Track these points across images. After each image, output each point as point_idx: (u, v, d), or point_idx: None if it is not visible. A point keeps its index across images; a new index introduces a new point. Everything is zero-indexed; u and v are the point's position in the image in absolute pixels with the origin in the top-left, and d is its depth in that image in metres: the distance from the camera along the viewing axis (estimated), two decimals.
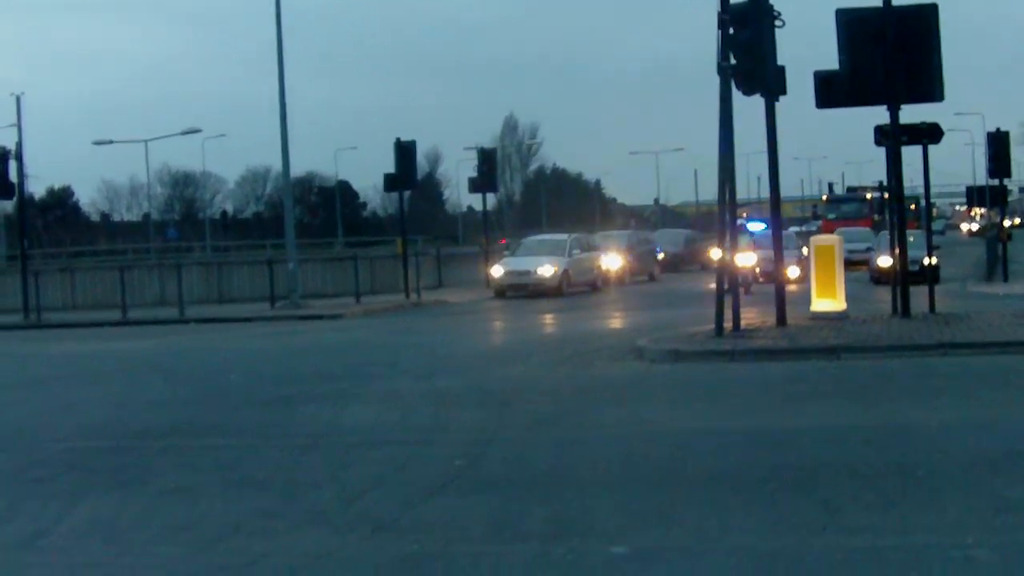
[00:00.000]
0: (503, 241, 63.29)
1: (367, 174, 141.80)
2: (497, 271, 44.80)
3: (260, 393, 18.16)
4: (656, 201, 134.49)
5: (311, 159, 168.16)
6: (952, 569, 7.64)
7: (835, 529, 8.67)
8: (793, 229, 69.27)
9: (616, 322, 30.70)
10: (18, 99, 47.74)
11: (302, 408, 16.22)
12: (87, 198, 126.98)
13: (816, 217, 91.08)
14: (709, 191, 26.08)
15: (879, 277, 39.94)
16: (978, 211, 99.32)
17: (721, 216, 23.23)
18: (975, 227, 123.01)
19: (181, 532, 9.39)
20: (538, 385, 17.82)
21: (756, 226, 46.61)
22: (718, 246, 23.77)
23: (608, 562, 8.12)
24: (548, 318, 32.35)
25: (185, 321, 37.46)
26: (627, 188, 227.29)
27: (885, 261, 37.20)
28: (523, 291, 43.34)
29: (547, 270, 43.55)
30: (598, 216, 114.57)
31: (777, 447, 11.96)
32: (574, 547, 8.48)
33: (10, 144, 43.06)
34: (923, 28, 22.49)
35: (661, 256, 58.59)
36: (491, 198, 66.12)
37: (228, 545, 8.93)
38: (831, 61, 22.70)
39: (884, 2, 22.62)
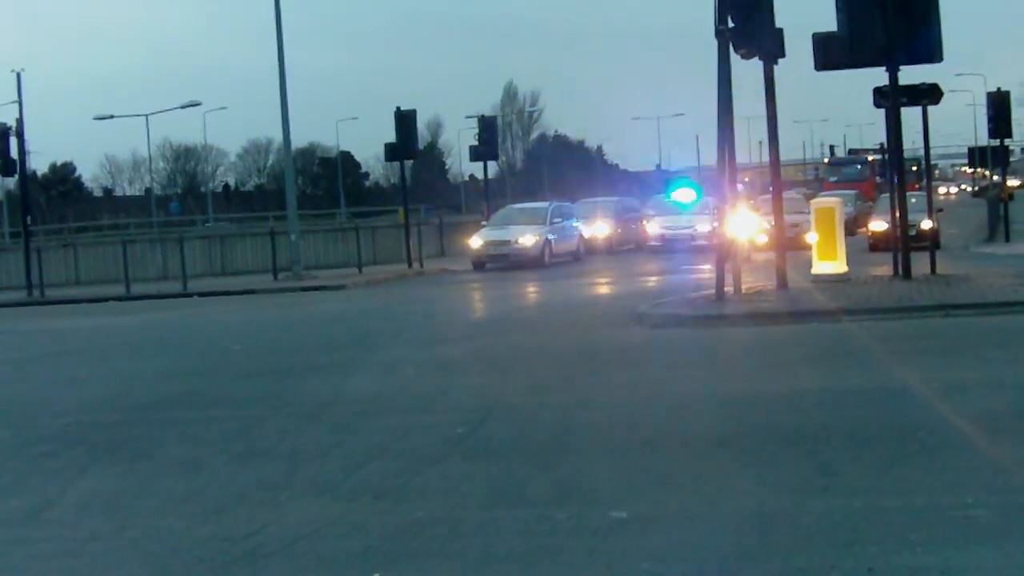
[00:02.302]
0: None
1: (369, 144, 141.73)
2: (475, 241, 43.29)
3: (263, 364, 18.20)
4: (658, 167, 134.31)
5: (312, 130, 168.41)
6: (951, 529, 7.65)
7: (835, 491, 8.69)
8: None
9: (609, 289, 30.69)
10: (18, 75, 47.78)
11: (305, 379, 16.26)
12: (89, 173, 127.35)
13: (817, 180, 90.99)
14: (710, 156, 26.13)
15: (875, 243, 38.09)
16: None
17: (720, 180, 23.22)
18: (953, 190, 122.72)
19: (184, 504, 9.43)
20: (540, 352, 17.85)
21: (685, 195, 42.12)
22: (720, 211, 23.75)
23: (609, 527, 8.15)
24: (547, 286, 32.34)
25: (188, 295, 37.53)
26: (629, 154, 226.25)
27: (879, 225, 36.88)
28: (503, 262, 41.85)
29: (528, 239, 42.28)
30: (600, 182, 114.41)
31: (777, 410, 11.98)
32: (575, 512, 8.51)
33: (11, 120, 43.16)
34: None
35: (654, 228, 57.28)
36: (492, 166, 66.01)
37: (231, 516, 8.97)
38: (830, 23, 22.67)
39: None
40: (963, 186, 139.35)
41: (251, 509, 9.12)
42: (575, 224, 46.41)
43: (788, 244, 25.10)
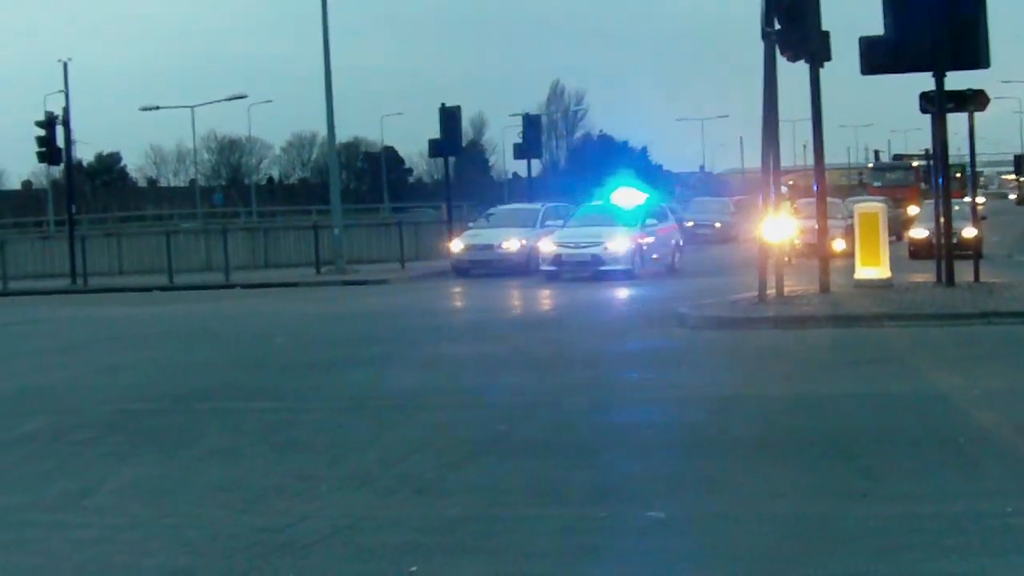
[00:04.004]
0: None
1: (413, 140, 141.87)
2: (456, 245, 39.16)
3: (304, 357, 18.27)
4: (701, 168, 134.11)
5: (357, 125, 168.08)
6: (990, 537, 7.62)
7: (873, 496, 8.67)
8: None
9: (641, 291, 30.62)
10: (65, 65, 47.70)
11: (346, 372, 16.31)
12: (134, 164, 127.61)
13: (861, 185, 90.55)
14: (754, 158, 25.97)
15: (916, 250, 35.82)
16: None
17: (765, 183, 23.15)
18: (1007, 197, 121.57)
19: (223, 493, 9.48)
20: (580, 350, 17.87)
21: (627, 198, 37.42)
22: (762, 213, 23.66)
23: (646, 527, 8.15)
24: (588, 287, 32.26)
25: (231, 286, 37.67)
26: (673, 155, 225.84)
27: (919, 233, 36.12)
28: (486, 268, 37.75)
29: (513, 244, 38.38)
30: (643, 183, 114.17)
31: (818, 414, 11.96)
32: (613, 511, 8.52)
33: (57, 110, 43.43)
34: None
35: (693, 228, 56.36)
36: (536, 164, 65.89)
37: (270, 506, 9.01)
38: (877, 27, 22.58)
39: None
40: (1009, 195, 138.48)
41: (290, 500, 9.16)
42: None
43: (817, 250, 24.90)
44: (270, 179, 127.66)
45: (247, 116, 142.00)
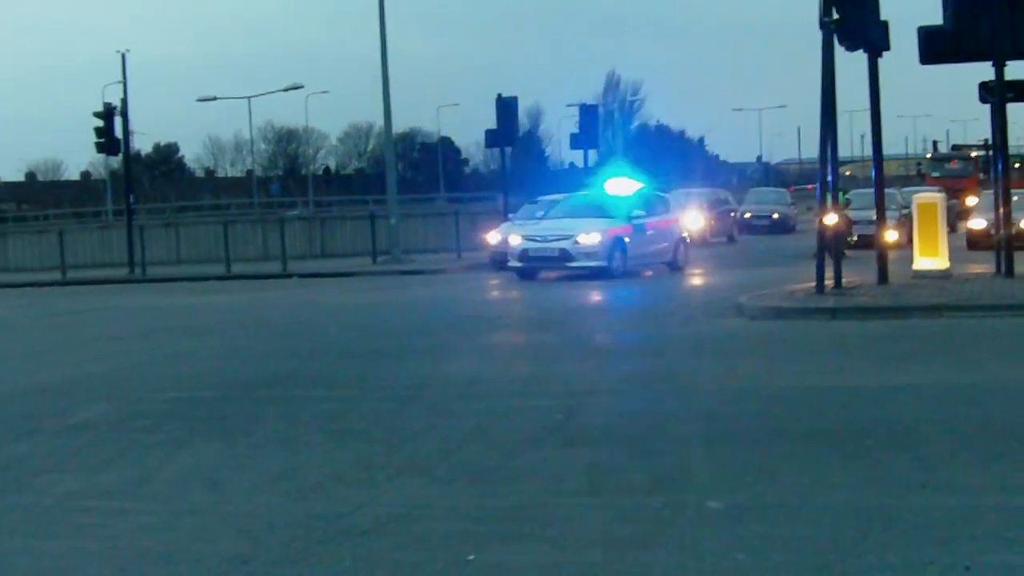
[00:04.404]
0: None
1: (469, 130, 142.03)
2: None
3: (361, 346, 18.33)
4: (759, 158, 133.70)
5: (413, 115, 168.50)
6: None
7: (933, 487, 8.61)
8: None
9: (708, 281, 30.53)
10: (123, 56, 48.07)
11: (403, 360, 16.36)
12: (192, 154, 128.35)
13: (919, 176, 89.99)
14: (812, 149, 25.59)
15: (974, 241, 34.55)
16: None
17: (823, 174, 23.02)
18: None
19: (280, 481, 9.51)
20: (637, 340, 17.86)
21: (620, 187, 34.12)
22: (820, 204, 23.53)
23: (704, 516, 8.12)
24: (650, 272, 32.20)
25: (288, 276, 37.81)
26: (730, 145, 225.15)
27: (978, 223, 35.63)
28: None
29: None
30: (699, 173, 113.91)
31: (877, 404, 11.89)
32: (670, 501, 8.50)
33: (116, 101, 43.72)
34: None
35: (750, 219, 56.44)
36: (593, 155, 65.78)
37: (327, 494, 9.03)
38: (936, 16, 22.43)
39: None
40: None
41: (347, 488, 9.19)
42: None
43: (876, 240, 24.76)
44: (327, 169, 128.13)
45: (304, 106, 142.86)
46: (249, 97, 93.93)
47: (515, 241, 32.03)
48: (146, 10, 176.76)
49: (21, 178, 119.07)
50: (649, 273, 32.17)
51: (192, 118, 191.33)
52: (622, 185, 34.01)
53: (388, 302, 27.12)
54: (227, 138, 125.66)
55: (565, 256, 30.98)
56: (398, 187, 46.15)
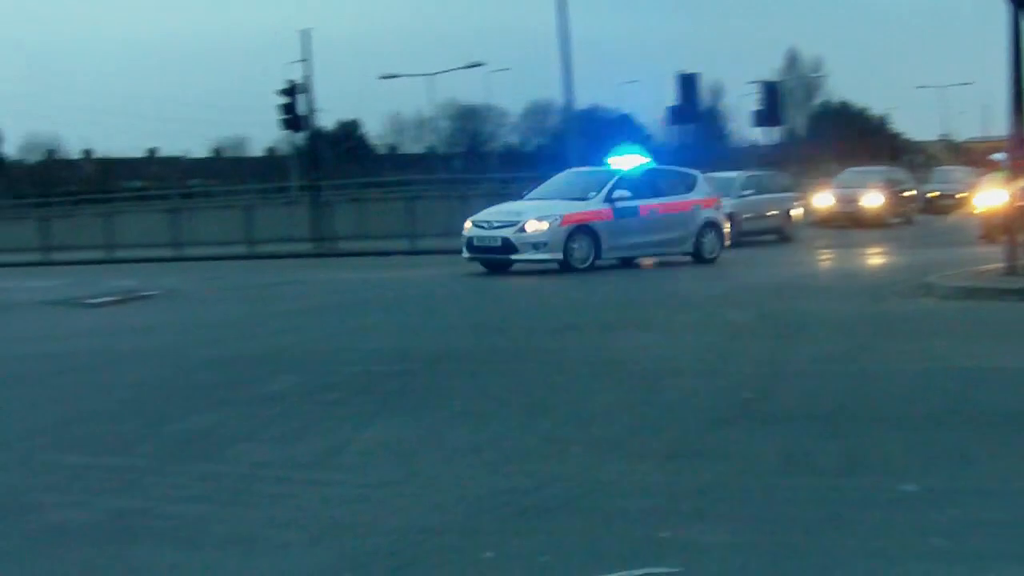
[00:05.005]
0: None
1: (650, 108, 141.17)
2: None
3: (551, 321, 18.33)
4: (942, 136, 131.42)
5: (594, 92, 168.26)
6: None
7: None
8: None
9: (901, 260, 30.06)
10: (307, 34, 48.77)
11: (592, 336, 16.35)
12: (374, 131, 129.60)
13: None
14: (998, 127, 24.88)
15: None
16: None
17: (1013, 152, 22.48)
18: None
19: (470, 455, 9.51)
20: (826, 318, 17.62)
21: (626, 163, 30.74)
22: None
23: (898, 499, 7.95)
24: (832, 253, 31.83)
25: None
26: (913, 123, 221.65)
27: None
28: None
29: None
30: (883, 152, 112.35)
31: None
32: (863, 483, 8.33)
33: (299, 79, 44.35)
34: None
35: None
36: (775, 133, 65.13)
37: (518, 468, 9.00)
38: None
39: None
40: None
41: (538, 462, 9.15)
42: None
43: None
44: (508, 146, 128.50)
45: (485, 84, 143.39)
46: (430, 74, 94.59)
47: (467, 226, 29.07)
48: None
49: (208, 154, 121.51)
50: (650, 264, 30.17)
51: (374, 95, 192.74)
52: (629, 161, 30.63)
53: (576, 278, 26.93)
54: (409, 115, 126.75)
55: (507, 246, 27.72)
56: (580, 164, 46.14)
